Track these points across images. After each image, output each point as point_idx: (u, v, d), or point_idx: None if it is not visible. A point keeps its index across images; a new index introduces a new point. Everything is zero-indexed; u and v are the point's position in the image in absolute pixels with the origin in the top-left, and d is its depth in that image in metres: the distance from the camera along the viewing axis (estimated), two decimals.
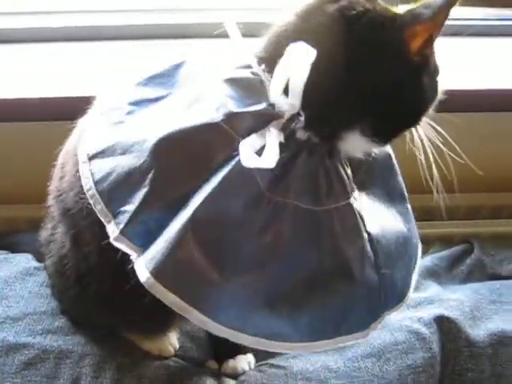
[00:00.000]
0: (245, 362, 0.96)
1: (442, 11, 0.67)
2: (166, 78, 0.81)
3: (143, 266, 0.69)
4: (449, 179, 1.29)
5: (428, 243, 1.23)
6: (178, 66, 0.82)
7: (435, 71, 0.75)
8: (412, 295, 1.01)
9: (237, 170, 0.69)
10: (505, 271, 1.19)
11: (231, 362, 0.94)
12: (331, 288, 0.73)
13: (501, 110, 1.27)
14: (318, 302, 0.73)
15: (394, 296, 0.79)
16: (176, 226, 0.68)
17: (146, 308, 0.80)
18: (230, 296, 0.70)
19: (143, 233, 0.70)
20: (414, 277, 0.84)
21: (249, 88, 0.73)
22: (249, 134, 0.70)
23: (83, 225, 0.80)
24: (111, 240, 0.71)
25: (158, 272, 0.68)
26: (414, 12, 0.69)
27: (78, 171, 0.77)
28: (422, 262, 1.15)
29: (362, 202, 0.76)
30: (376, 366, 0.94)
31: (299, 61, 0.67)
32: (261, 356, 0.97)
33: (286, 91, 0.70)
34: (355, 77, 0.70)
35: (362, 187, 0.78)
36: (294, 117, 0.71)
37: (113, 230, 0.71)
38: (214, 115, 0.70)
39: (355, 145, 0.75)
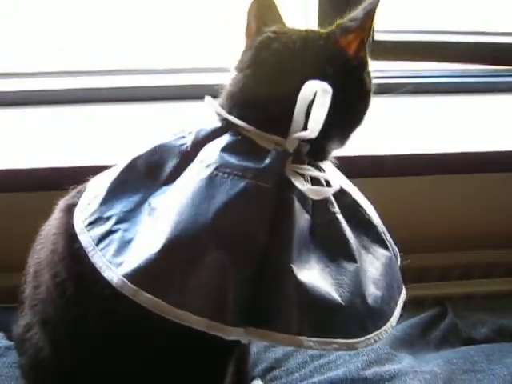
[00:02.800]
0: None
1: (366, 20, 0.77)
2: (125, 184, 0.79)
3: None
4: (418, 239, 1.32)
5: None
6: (129, 168, 0.80)
7: (369, 69, 0.84)
8: (386, 367, 1.02)
9: (294, 216, 0.73)
10: (478, 335, 1.19)
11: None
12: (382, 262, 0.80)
13: (470, 172, 1.29)
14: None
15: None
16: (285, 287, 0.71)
17: None
18: None
19: None
20: None
21: (244, 148, 0.77)
22: (279, 178, 0.74)
23: (64, 333, 0.81)
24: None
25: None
26: (343, 25, 0.79)
27: (54, 281, 0.79)
28: (394, 332, 1.15)
29: None
30: None
31: (326, 101, 0.74)
32: None
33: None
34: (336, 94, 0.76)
35: None
36: (298, 151, 0.77)
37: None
38: (244, 180, 0.73)
39: (332, 152, 0.85)
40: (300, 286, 0.71)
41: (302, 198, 0.75)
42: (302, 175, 0.76)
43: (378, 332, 0.76)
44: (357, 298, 0.74)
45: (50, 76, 1.37)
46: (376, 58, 1.51)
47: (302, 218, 0.74)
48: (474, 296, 1.29)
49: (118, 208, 0.77)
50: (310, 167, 0.77)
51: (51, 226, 0.85)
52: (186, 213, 0.72)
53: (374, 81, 0.85)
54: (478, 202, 1.33)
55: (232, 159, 0.75)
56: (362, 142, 1.20)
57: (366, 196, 0.89)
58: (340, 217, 0.78)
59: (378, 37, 1.51)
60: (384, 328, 0.77)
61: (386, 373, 1.03)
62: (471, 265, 1.32)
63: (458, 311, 1.23)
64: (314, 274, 0.72)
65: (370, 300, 0.75)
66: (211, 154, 0.76)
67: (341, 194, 0.81)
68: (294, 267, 0.71)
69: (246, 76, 0.80)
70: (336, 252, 0.76)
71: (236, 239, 0.72)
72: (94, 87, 1.34)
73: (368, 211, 0.84)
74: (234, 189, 0.73)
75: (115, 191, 0.79)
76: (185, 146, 0.79)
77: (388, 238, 0.85)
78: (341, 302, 0.72)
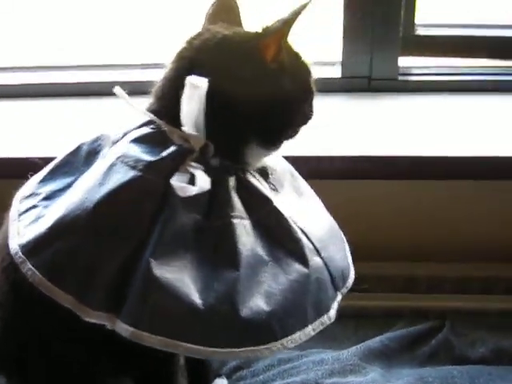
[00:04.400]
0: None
1: (288, 23, 0.77)
2: (67, 166, 0.85)
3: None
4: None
5: (400, 317, 1.19)
6: (75, 152, 0.86)
7: (297, 72, 0.82)
8: (347, 379, 0.98)
9: (174, 213, 0.74)
10: (475, 354, 1.10)
11: None
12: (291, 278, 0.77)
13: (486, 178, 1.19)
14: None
15: (339, 277, 0.84)
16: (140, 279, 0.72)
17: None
18: None
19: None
20: (350, 257, 0.89)
21: (154, 140, 0.79)
22: (170, 173, 0.75)
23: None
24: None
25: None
26: (266, 28, 0.79)
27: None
28: (369, 343, 1.10)
29: (283, 202, 0.83)
30: None
31: (194, 95, 0.75)
32: None
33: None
34: (231, 98, 0.77)
35: (275, 191, 0.84)
36: (204, 149, 0.78)
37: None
38: (134, 171, 0.75)
39: (257, 156, 0.83)
40: (153, 282, 0.71)
41: (191, 197, 0.74)
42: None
43: (254, 348, 0.73)
44: (224, 305, 0.72)
45: (28, 70, 1.49)
46: (416, 53, 1.45)
47: (185, 217, 0.74)
48: (479, 312, 1.19)
49: (50, 187, 0.83)
50: (198, 165, 0.76)
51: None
52: (78, 196, 0.77)
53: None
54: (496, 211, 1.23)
55: (135, 150, 0.78)
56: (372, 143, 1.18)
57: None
58: (238, 221, 0.76)
59: (419, 31, 1.45)
60: (267, 346, 0.74)
61: None
62: (480, 278, 1.21)
63: (457, 327, 1.14)
64: (179, 274, 0.72)
65: (245, 312, 0.72)
66: (123, 143, 0.80)
67: (262, 200, 0.80)
68: (154, 262, 0.71)
69: (166, 71, 0.82)
70: (219, 257, 0.75)
71: (111, 228, 0.74)
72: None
73: (295, 222, 0.81)
74: (122, 178, 0.75)
75: (55, 172, 0.86)
76: (118, 136, 0.83)
77: (324, 254, 0.82)
78: (199, 305, 0.71)
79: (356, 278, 0.87)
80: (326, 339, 1.14)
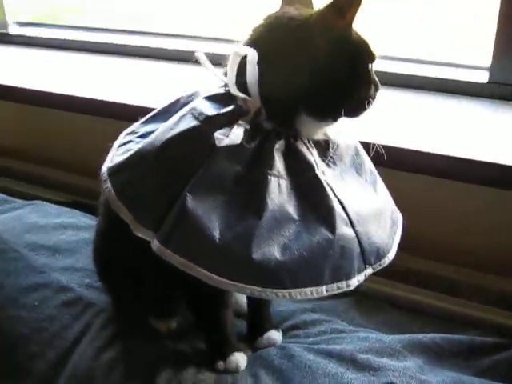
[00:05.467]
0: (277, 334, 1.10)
1: (335, 3, 0.84)
2: (165, 113, 1.01)
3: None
4: None
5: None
6: (174, 103, 1.02)
7: (353, 56, 0.87)
8: (381, 360, 1.01)
9: (218, 161, 0.86)
10: None
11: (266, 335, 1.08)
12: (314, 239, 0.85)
13: None
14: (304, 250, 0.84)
15: (373, 252, 0.91)
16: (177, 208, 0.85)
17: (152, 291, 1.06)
18: None
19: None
20: (396, 239, 0.95)
21: (221, 99, 0.92)
22: (221, 127, 0.88)
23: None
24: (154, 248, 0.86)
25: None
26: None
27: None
28: (419, 336, 1.08)
29: (334, 175, 0.92)
30: None
31: (249, 64, 0.86)
32: None
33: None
34: (281, 71, 0.86)
35: (333, 164, 0.93)
36: (258, 112, 0.88)
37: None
38: (195, 122, 0.89)
39: (309, 126, 0.91)
40: (185, 212, 0.84)
41: (236, 150, 0.86)
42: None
43: (259, 288, 0.83)
44: (238, 245, 0.83)
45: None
46: None
47: (227, 165, 0.86)
48: None
49: (146, 128, 1.01)
50: (245, 124, 0.88)
51: None
52: (154, 136, 0.93)
53: None
54: None
55: (204, 105, 0.92)
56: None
57: None
58: (273, 179, 0.86)
59: None
60: (274, 291, 0.83)
61: (376, 363, 0.99)
62: None
63: None
64: (208, 212, 0.84)
65: (256, 255, 0.82)
66: (198, 99, 0.95)
67: (306, 166, 0.90)
68: (190, 197, 0.84)
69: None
70: (248, 205, 0.85)
71: (169, 165, 0.89)
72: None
73: (336, 192, 0.89)
74: (186, 126, 0.90)
75: (155, 117, 1.03)
76: (204, 93, 0.97)
77: (358, 228, 0.89)
78: (217, 240, 0.82)
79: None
80: (388, 326, 1.16)
